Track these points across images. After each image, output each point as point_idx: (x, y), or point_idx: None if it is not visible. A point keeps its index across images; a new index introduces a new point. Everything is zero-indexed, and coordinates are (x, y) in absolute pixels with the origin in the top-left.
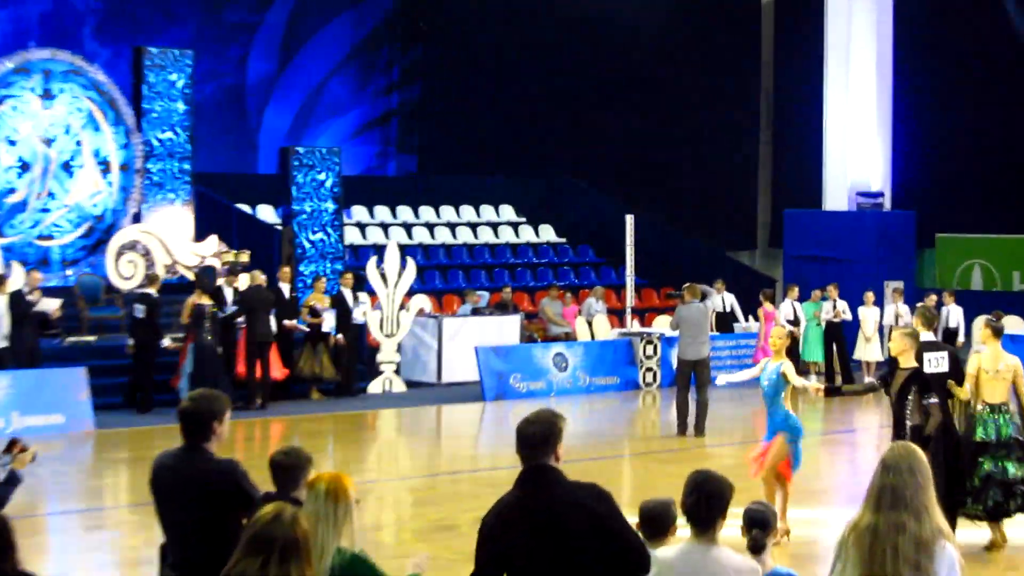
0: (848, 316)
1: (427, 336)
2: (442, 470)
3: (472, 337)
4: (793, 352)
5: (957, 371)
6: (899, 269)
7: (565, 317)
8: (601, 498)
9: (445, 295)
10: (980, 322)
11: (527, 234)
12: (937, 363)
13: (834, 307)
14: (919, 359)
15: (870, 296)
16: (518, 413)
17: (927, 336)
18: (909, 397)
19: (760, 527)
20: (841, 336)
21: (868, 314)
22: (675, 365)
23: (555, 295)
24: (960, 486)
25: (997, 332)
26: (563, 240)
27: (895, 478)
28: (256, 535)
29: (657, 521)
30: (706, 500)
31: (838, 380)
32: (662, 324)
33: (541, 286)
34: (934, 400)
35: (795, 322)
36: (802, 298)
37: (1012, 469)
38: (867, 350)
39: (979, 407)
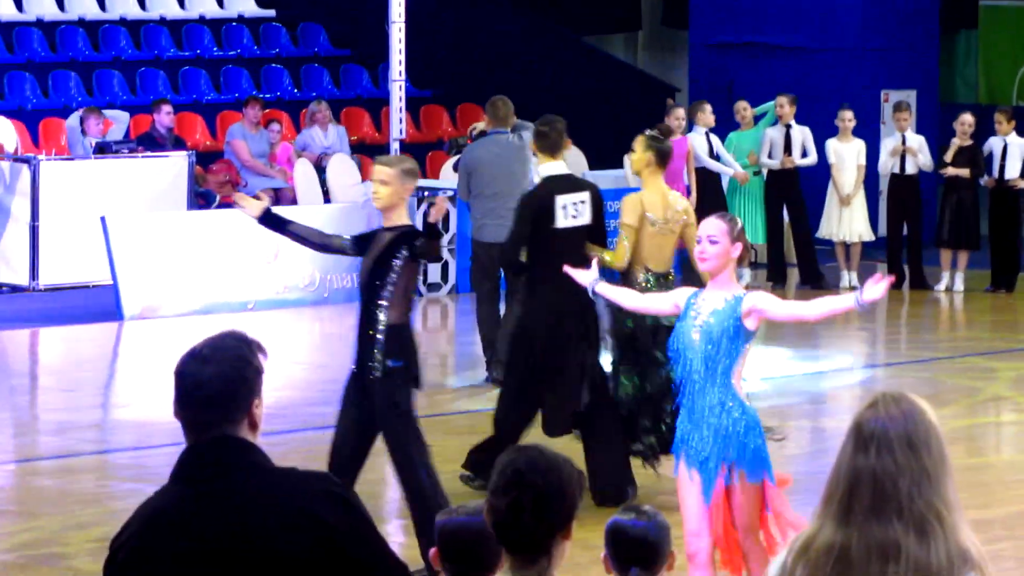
0: (811, 158)
1: (10, 198)
2: (38, 451)
3: (96, 199)
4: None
5: (601, 215)
6: (908, 69)
7: (275, 160)
8: (337, 500)
9: (45, 119)
10: (640, 143)
11: (201, 3)
12: (575, 211)
13: (785, 141)
14: (539, 205)
15: (848, 118)
16: (183, 344)
17: (553, 167)
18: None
19: (642, 559)
20: (799, 196)
21: (845, 153)
22: (471, 256)
23: (255, 118)
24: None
25: (663, 157)
26: (270, 14)
27: (879, 459)
28: None
29: (469, 547)
30: (533, 504)
31: (791, 277)
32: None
33: (227, 101)
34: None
35: (709, 172)
36: (723, 125)
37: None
38: (843, 221)
39: (640, 277)
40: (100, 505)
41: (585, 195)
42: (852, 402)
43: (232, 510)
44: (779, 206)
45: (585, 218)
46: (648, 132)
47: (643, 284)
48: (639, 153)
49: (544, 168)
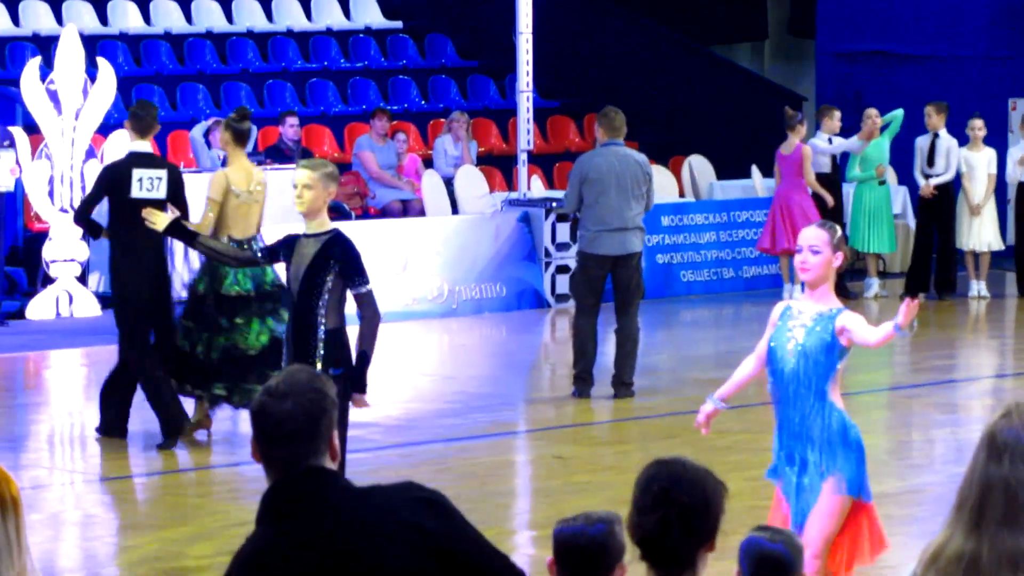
0: (947, 175)
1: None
2: (173, 464)
3: None
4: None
5: (181, 194)
6: None
7: (403, 172)
8: (430, 504)
9: (173, 131)
10: (221, 126)
11: (328, 14)
12: (150, 185)
13: (930, 150)
14: (115, 175)
15: (979, 127)
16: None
17: (140, 145)
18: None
19: (775, 574)
20: (950, 212)
21: (975, 162)
22: (577, 264)
23: (382, 129)
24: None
25: (238, 135)
26: (397, 26)
27: (1013, 468)
28: None
29: (589, 558)
30: (680, 521)
31: (928, 290)
32: None
33: (354, 113)
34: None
35: (831, 179)
36: (849, 134)
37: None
38: (973, 230)
39: (225, 242)
40: (231, 518)
41: (163, 173)
42: (983, 412)
43: (334, 539)
44: (932, 222)
45: (160, 193)
46: (230, 115)
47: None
48: (221, 134)
49: (132, 145)
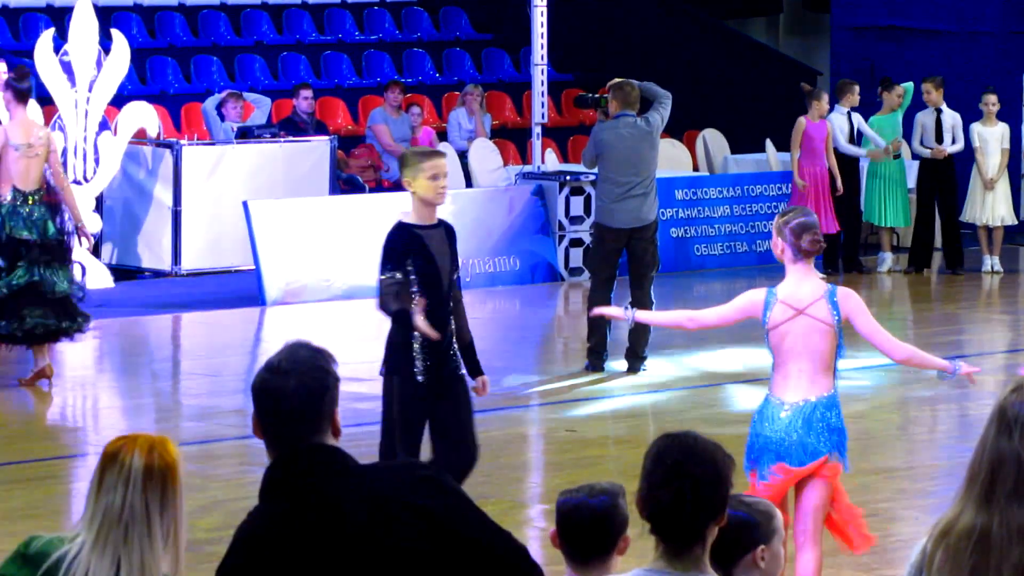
0: (958, 145)
1: (152, 183)
2: (181, 436)
3: (238, 183)
4: (847, 209)
5: None
6: None
7: (417, 145)
8: (430, 484)
9: (187, 103)
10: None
11: None
12: None
13: (936, 126)
14: None
15: (992, 102)
16: (325, 329)
17: None
18: None
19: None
20: (952, 183)
21: (989, 136)
22: (593, 237)
23: (396, 102)
24: None
25: (17, 93)
26: None
27: (1023, 443)
28: None
29: (592, 530)
30: (693, 491)
31: (935, 262)
32: None
33: (370, 85)
34: None
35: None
36: (867, 106)
37: (58, 280)
38: (986, 205)
39: (8, 195)
40: (242, 490)
41: None
42: (995, 387)
43: (336, 521)
44: (933, 193)
45: None
46: (10, 75)
47: (12, 201)
48: (2, 92)
49: None
